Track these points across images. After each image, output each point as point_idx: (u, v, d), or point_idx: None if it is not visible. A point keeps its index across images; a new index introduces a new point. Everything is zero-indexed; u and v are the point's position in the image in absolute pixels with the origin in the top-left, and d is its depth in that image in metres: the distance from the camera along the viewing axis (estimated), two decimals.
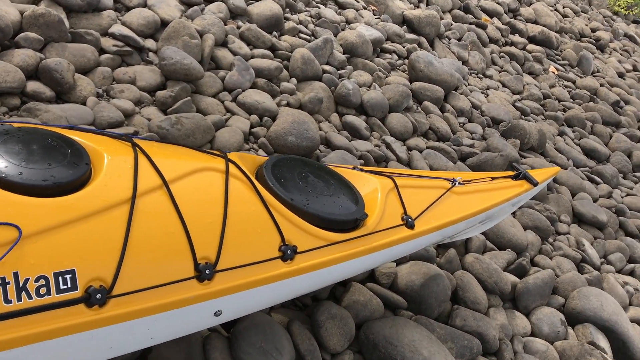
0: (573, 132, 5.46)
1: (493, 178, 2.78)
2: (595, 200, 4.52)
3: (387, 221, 2.19)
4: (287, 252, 1.78)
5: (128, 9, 3.39)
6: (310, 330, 2.36)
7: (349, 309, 2.50)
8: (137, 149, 1.66)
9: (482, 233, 3.45)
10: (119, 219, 1.45)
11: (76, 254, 1.35)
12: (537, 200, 4.02)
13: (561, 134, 5.31)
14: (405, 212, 2.26)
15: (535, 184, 2.79)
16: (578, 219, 4.22)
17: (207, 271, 1.57)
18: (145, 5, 3.45)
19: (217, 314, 1.67)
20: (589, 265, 3.74)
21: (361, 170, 2.46)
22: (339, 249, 1.96)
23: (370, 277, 2.80)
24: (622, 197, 4.85)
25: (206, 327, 1.73)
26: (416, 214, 2.29)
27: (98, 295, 1.35)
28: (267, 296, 1.82)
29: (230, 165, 1.84)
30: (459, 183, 2.60)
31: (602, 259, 3.96)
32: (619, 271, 3.98)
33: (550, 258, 3.62)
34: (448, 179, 2.59)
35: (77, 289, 1.33)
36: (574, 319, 3.22)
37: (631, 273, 4.03)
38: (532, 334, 3.07)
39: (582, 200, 4.32)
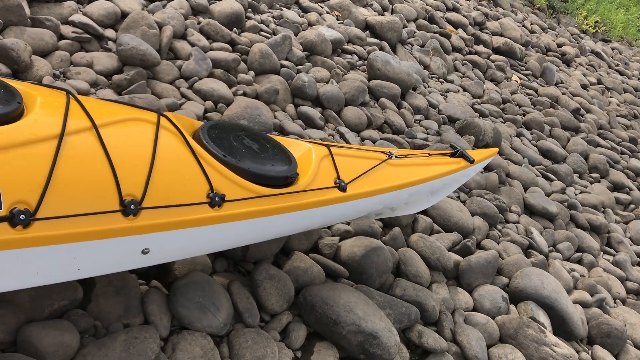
0: (531, 134, 5.66)
1: (430, 154, 2.92)
2: (548, 195, 4.69)
3: (319, 183, 2.32)
4: (215, 199, 1.90)
5: (90, 1, 3.54)
6: (250, 291, 2.47)
7: (289, 274, 2.61)
8: (70, 96, 1.78)
9: (428, 215, 3.59)
10: (47, 151, 1.57)
11: (3, 177, 1.47)
12: (488, 190, 4.17)
13: (519, 135, 5.50)
14: (338, 177, 2.39)
15: (471, 161, 2.93)
16: (530, 210, 4.38)
17: (132, 206, 1.68)
18: None
19: (144, 251, 1.78)
20: (536, 251, 3.89)
21: (298, 139, 2.60)
22: (269, 202, 2.08)
23: (313, 248, 2.91)
24: (575, 194, 5.03)
25: (136, 265, 1.83)
26: (349, 179, 2.42)
27: (22, 216, 1.46)
28: (195, 240, 1.93)
29: (163, 119, 1.97)
30: (395, 156, 2.74)
31: (551, 247, 4.10)
32: (566, 259, 4.12)
33: (498, 243, 3.76)
34: (385, 152, 2.73)
35: (1, 209, 1.44)
36: (516, 297, 3.35)
37: (579, 261, 4.18)
38: (474, 309, 3.19)
39: (533, 193, 4.48)
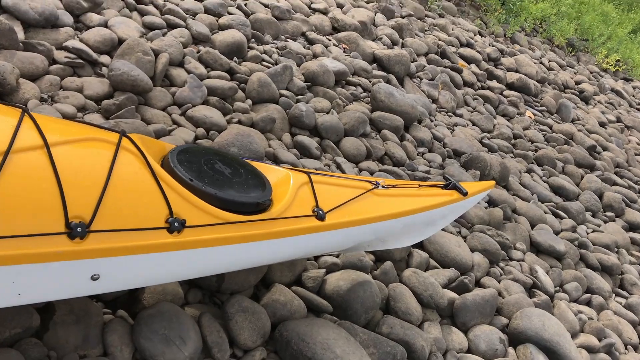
0: (542, 170, 5.50)
1: (421, 185, 2.81)
2: (557, 233, 4.50)
3: (295, 210, 2.22)
4: (174, 224, 1.81)
5: (88, 28, 3.55)
6: (222, 324, 2.35)
7: (266, 307, 2.49)
8: (25, 113, 1.73)
9: (424, 249, 3.45)
10: None
11: None
12: (491, 226, 4.02)
13: (529, 171, 5.34)
14: (317, 205, 2.29)
15: (464, 194, 2.81)
16: (536, 248, 4.20)
17: (79, 229, 1.60)
18: (105, 25, 3.60)
19: (94, 277, 1.69)
20: (540, 291, 3.70)
21: (279, 165, 2.51)
22: (236, 229, 1.98)
23: (297, 281, 2.79)
24: (587, 233, 4.83)
25: (86, 292, 1.74)
26: (329, 208, 2.32)
27: None
28: (153, 268, 1.83)
29: (125, 141, 1.90)
30: (382, 186, 2.63)
31: (557, 288, 3.91)
32: (574, 300, 3.92)
33: (498, 281, 3.59)
34: (371, 182, 2.62)
35: None
36: (515, 339, 3.17)
37: (587, 303, 3.98)
38: (469, 351, 3.02)
39: (540, 230, 4.31)
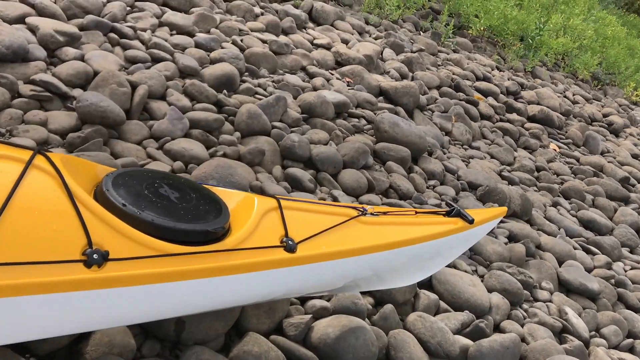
0: (570, 203, 5.04)
1: (418, 212, 2.43)
2: (589, 271, 4.02)
3: (258, 241, 1.87)
4: (93, 257, 1.47)
5: (63, 62, 3.33)
6: None
7: (236, 359, 2.11)
8: None
9: (433, 290, 3.03)
10: None
11: None
12: (512, 263, 3.58)
13: (555, 204, 4.89)
14: (286, 234, 1.94)
15: (470, 222, 2.42)
16: (565, 288, 3.73)
17: None
18: (82, 59, 3.38)
19: None
20: (572, 336, 3.22)
21: (242, 191, 2.18)
22: (177, 263, 1.63)
23: (277, 329, 2.40)
24: (625, 270, 4.33)
25: None
26: (302, 238, 1.96)
27: None
28: (66, 311, 1.48)
29: (41, 159, 1.59)
30: (371, 214, 2.27)
31: (593, 332, 3.42)
32: (613, 347, 3.42)
33: (522, 325, 3.13)
34: (356, 208, 2.26)
35: None
36: None
37: (630, 350, 3.46)
38: None
39: (569, 267, 3.84)
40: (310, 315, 2.44)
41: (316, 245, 1.98)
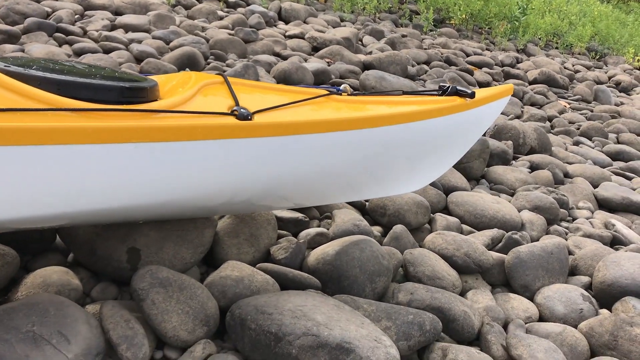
0: (592, 141, 4.58)
1: (405, 93, 2.03)
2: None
3: (198, 106, 1.48)
4: None
5: None
6: (138, 317, 1.54)
7: (210, 287, 1.68)
8: None
9: (451, 213, 2.59)
10: None
11: None
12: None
13: (576, 143, 4.45)
14: (237, 104, 1.55)
15: (471, 95, 2.01)
16: (606, 207, 3.25)
17: None
18: (22, 52, 3.10)
19: None
20: (624, 246, 2.74)
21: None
22: (87, 120, 1.25)
23: (264, 259, 1.97)
24: None
25: None
26: (258, 109, 1.57)
27: None
28: None
29: None
30: (347, 93, 1.88)
31: None
32: None
33: (565, 239, 2.66)
34: (327, 88, 1.87)
35: None
36: (605, 296, 2.20)
37: None
38: (541, 319, 2.08)
39: (607, 185, 3.37)
40: (303, 241, 2.01)
41: (278, 117, 1.59)
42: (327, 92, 1.81)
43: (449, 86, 2.04)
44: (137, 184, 1.35)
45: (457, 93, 2.04)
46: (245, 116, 1.49)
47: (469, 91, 2.02)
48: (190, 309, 1.54)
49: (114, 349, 1.44)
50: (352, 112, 1.75)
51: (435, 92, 2.05)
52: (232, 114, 1.48)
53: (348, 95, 1.87)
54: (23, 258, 1.71)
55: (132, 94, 1.37)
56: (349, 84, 1.91)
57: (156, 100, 1.46)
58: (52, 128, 1.17)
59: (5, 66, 1.29)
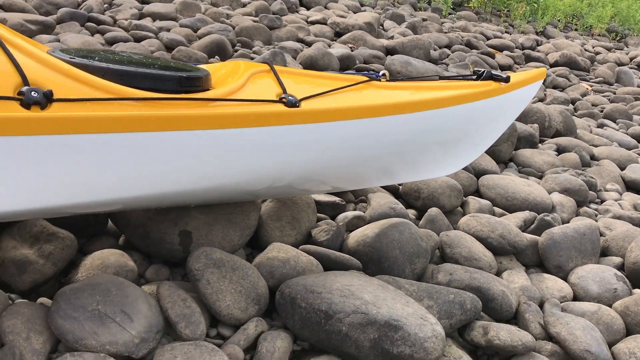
0: (617, 124, 4.58)
1: (442, 78, 2.08)
2: None
3: (249, 94, 1.54)
4: (32, 95, 1.17)
5: None
6: (193, 293, 1.61)
7: (259, 267, 1.75)
8: None
9: (482, 196, 2.63)
10: None
11: None
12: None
13: (600, 126, 4.45)
14: (284, 92, 1.60)
15: (506, 80, 2.05)
16: (635, 190, 3.27)
17: None
18: (58, 41, 3.17)
19: None
20: None
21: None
22: (146, 108, 1.31)
23: (305, 241, 2.03)
24: None
25: None
26: (304, 96, 1.62)
27: None
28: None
29: None
30: (386, 79, 1.93)
31: None
32: None
33: (595, 220, 2.70)
34: (366, 74, 1.92)
35: None
36: (639, 275, 2.24)
37: None
38: (575, 298, 2.12)
39: (635, 166, 3.39)
40: (342, 224, 2.07)
41: (324, 104, 1.64)
42: (367, 79, 1.86)
43: (484, 71, 2.07)
44: (195, 169, 1.41)
45: (492, 77, 2.07)
46: (294, 103, 1.55)
47: (504, 75, 2.06)
48: (242, 288, 1.61)
49: (172, 327, 1.51)
50: (392, 98, 1.79)
51: (470, 77, 2.09)
52: (280, 101, 1.54)
53: (387, 81, 1.92)
54: (79, 241, 1.78)
55: (189, 83, 1.43)
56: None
57: (209, 89, 1.52)
58: (125, 116, 1.23)
59: (70, 58, 1.35)
